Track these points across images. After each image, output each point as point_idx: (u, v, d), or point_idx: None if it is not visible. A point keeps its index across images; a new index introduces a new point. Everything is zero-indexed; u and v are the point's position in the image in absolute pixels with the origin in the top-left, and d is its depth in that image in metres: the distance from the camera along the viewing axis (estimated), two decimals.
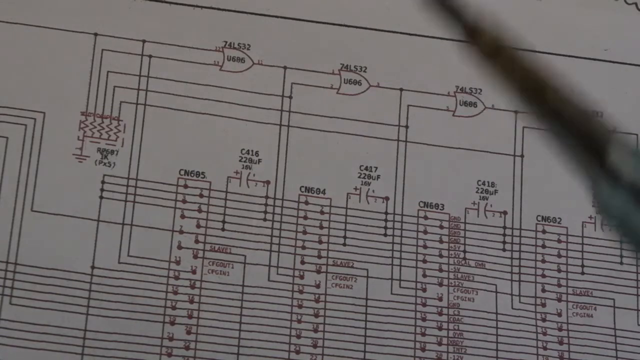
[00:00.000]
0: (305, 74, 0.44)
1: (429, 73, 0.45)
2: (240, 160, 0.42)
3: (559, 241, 0.44)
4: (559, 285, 0.43)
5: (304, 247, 0.42)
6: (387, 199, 0.43)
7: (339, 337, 0.41)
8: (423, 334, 0.41)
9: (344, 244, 0.42)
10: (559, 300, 0.43)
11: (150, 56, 0.43)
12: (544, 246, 0.43)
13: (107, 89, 0.42)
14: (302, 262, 0.41)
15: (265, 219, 0.42)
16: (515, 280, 0.43)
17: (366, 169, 0.43)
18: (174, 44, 0.43)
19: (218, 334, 0.40)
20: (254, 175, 0.42)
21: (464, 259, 0.43)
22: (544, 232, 0.44)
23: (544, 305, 0.43)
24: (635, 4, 0.47)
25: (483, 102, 0.45)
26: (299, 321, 0.41)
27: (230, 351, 0.40)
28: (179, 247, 0.41)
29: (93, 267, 0.40)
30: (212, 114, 0.42)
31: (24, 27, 0.42)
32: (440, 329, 0.42)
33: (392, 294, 0.42)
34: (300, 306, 0.41)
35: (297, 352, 0.40)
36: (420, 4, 0.23)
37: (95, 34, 0.42)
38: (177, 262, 0.40)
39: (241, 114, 0.43)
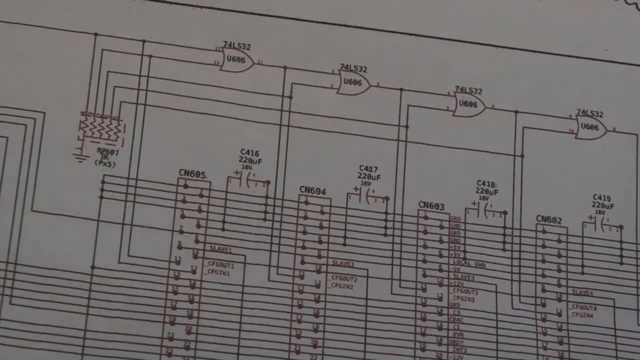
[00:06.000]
0: (305, 74, 0.44)
1: (429, 73, 0.45)
2: (240, 160, 0.42)
3: (559, 241, 0.44)
4: (559, 285, 0.43)
5: (304, 247, 0.42)
6: (387, 199, 0.43)
7: (339, 337, 0.41)
8: (423, 334, 0.41)
9: (344, 244, 0.42)
10: (559, 300, 0.43)
11: (150, 56, 0.43)
12: (544, 246, 0.43)
13: (107, 89, 0.42)
14: (302, 262, 0.41)
15: (265, 219, 0.42)
16: (515, 280, 0.43)
17: (366, 169, 0.43)
18: (174, 44, 0.43)
19: (218, 334, 0.40)
20: (254, 175, 0.42)
21: (464, 259, 0.43)
22: (544, 232, 0.44)
23: (544, 305, 0.43)
24: (635, 4, 0.47)
25: (483, 102, 0.45)
26: (299, 321, 0.41)
27: (230, 351, 0.40)
28: (179, 247, 0.41)
29: (93, 267, 0.40)
30: (212, 114, 0.42)
31: (24, 27, 0.42)
32: (440, 329, 0.42)
33: (392, 294, 0.42)
34: (300, 306, 0.41)
35: (297, 352, 0.40)
36: None
37: (95, 34, 0.42)
38: (177, 262, 0.40)
39: (241, 114, 0.43)
